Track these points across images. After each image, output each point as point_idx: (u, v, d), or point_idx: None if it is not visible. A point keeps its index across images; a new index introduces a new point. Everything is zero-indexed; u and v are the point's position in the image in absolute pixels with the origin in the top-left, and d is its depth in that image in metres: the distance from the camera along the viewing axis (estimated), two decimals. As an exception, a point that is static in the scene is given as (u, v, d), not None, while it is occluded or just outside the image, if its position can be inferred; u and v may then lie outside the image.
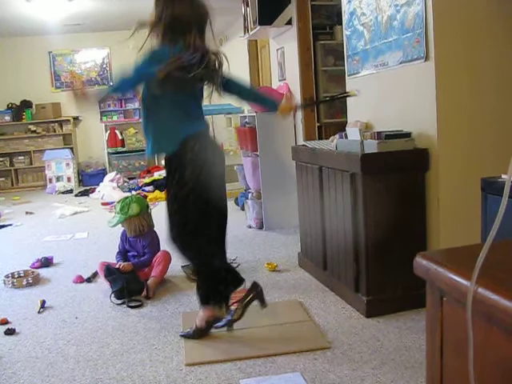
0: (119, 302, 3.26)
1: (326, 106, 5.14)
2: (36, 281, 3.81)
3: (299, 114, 4.99)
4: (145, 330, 2.84)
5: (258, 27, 4.88)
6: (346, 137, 3.06)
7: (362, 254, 2.81)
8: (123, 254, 3.71)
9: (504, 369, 0.79)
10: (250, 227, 5.13)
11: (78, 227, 5.74)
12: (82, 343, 2.73)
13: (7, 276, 3.85)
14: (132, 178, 8.75)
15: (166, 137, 2.54)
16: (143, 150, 9.99)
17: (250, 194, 5.23)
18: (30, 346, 2.73)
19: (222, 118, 7.16)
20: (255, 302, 2.72)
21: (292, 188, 4.10)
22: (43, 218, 6.42)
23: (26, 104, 9.54)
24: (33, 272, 3.94)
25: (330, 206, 3.15)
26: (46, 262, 4.23)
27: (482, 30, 2.71)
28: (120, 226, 3.70)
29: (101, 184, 8.15)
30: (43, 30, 8.59)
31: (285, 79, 5.36)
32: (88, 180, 9.35)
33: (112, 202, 6.62)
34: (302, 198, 3.67)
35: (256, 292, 2.69)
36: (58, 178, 9.09)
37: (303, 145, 3.75)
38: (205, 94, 2.66)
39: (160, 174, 7.89)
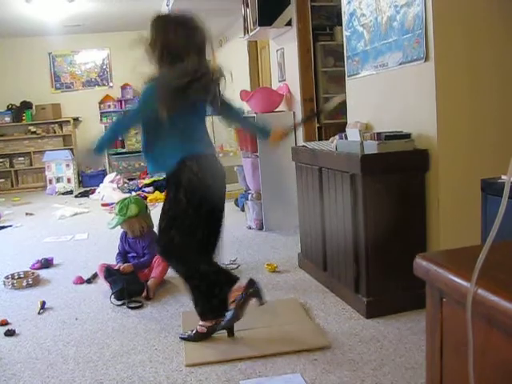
0: (119, 303, 3.26)
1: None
2: (36, 282, 3.81)
3: (299, 116, 5.00)
4: (145, 331, 2.84)
5: (258, 28, 4.88)
6: (346, 138, 3.06)
7: (362, 254, 2.81)
8: (123, 255, 3.71)
9: (504, 370, 0.79)
10: (250, 228, 5.13)
11: (78, 228, 5.74)
12: (82, 344, 2.73)
13: (7, 277, 3.85)
14: (132, 179, 8.74)
15: (166, 157, 2.52)
16: (143, 151, 9.99)
17: (249, 195, 5.23)
18: (30, 347, 2.73)
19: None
20: (253, 300, 2.66)
21: (292, 189, 4.10)
22: (43, 219, 6.42)
23: (26, 105, 9.54)
24: (33, 273, 3.94)
25: (330, 207, 3.15)
26: (46, 263, 4.23)
27: (481, 31, 2.71)
28: (120, 227, 3.70)
29: (101, 185, 8.14)
30: (43, 31, 8.59)
31: (285, 80, 5.36)
32: (88, 181, 9.35)
33: (112, 203, 6.61)
34: (302, 199, 3.67)
35: (252, 290, 2.64)
36: (58, 179, 9.09)
37: (303, 146, 3.75)
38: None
39: (160, 175, 7.88)
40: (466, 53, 2.70)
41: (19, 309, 3.31)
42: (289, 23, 4.92)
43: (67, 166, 9.11)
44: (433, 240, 2.83)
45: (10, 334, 2.89)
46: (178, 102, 2.41)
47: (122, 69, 9.40)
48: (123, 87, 9.89)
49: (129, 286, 3.28)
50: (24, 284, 3.75)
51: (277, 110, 5.18)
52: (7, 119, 9.47)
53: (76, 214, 6.60)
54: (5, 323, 3.03)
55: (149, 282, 3.39)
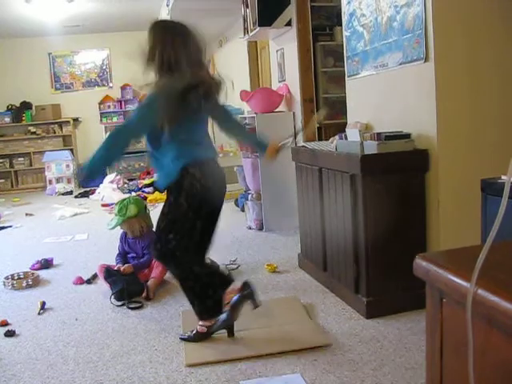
0: (119, 303, 3.26)
1: (325, 106, 5.14)
2: (36, 282, 3.81)
3: (299, 116, 5.00)
4: (145, 332, 2.84)
5: (258, 28, 4.88)
6: (346, 138, 3.06)
7: (362, 255, 2.81)
8: (123, 255, 3.71)
9: (504, 371, 0.79)
10: (250, 228, 5.13)
11: (77, 229, 5.74)
12: (82, 345, 2.73)
13: (7, 278, 3.85)
14: (132, 180, 8.75)
15: (169, 166, 2.51)
16: (143, 152, 9.97)
17: (249, 196, 5.23)
18: (30, 348, 2.73)
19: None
20: (248, 302, 2.65)
21: (292, 189, 4.10)
22: (43, 220, 6.42)
23: (26, 105, 9.55)
24: (33, 274, 3.94)
25: (330, 207, 3.15)
26: (46, 264, 4.23)
27: (481, 31, 2.71)
28: (119, 227, 3.70)
29: (101, 185, 8.14)
30: (43, 32, 8.60)
31: (284, 80, 5.36)
32: (88, 181, 9.33)
33: (112, 204, 6.61)
34: (302, 199, 3.67)
35: (247, 292, 2.63)
36: (58, 180, 9.09)
37: (303, 146, 3.75)
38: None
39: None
40: (466, 53, 2.70)
41: (19, 309, 3.31)
42: (289, 23, 4.92)
43: (67, 166, 9.11)
44: (433, 240, 2.83)
45: (10, 334, 2.89)
46: (180, 112, 2.41)
47: (122, 69, 9.40)
48: (123, 87, 9.90)
49: (129, 287, 3.28)
50: (24, 284, 3.75)
51: (277, 110, 5.18)
52: (7, 120, 9.48)
53: (76, 215, 6.60)
54: (5, 324, 3.03)
55: (149, 283, 3.39)
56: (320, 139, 4.86)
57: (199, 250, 2.61)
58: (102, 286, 3.58)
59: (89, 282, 3.77)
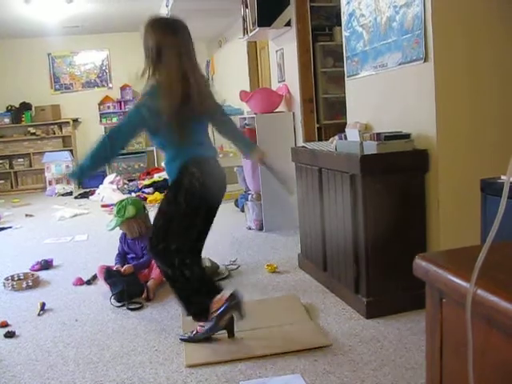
0: (119, 304, 3.25)
1: (325, 106, 5.14)
2: (36, 283, 3.81)
3: (298, 116, 5.00)
4: (145, 332, 2.84)
5: (258, 29, 4.88)
6: (346, 138, 3.06)
7: (361, 255, 2.81)
8: (122, 256, 3.71)
9: (504, 371, 0.79)
10: (250, 229, 5.13)
11: (77, 229, 5.74)
12: (82, 346, 2.73)
13: (7, 279, 3.85)
14: (132, 180, 8.74)
15: (171, 164, 2.55)
16: (142, 152, 10.04)
17: (249, 196, 5.23)
18: (30, 349, 2.73)
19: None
20: (234, 314, 2.61)
21: (291, 189, 4.09)
22: (43, 221, 6.42)
23: (26, 106, 9.54)
24: (32, 275, 3.93)
25: (330, 208, 3.15)
26: (46, 265, 4.23)
27: (481, 31, 2.71)
28: (118, 228, 3.70)
29: (100, 186, 8.14)
30: (42, 32, 8.60)
31: (284, 80, 5.37)
32: (88, 182, 9.32)
33: (112, 204, 6.61)
34: (302, 200, 3.67)
35: (234, 303, 2.57)
36: (58, 181, 9.09)
37: (303, 146, 3.75)
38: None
39: (160, 176, 7.89)
40: (466, 53, 2.70)
41: (19, 310, 3.31)
42: (288, 24, 4.92)
43: (67, 167, 9.11)
44: (433, 240, 2.83)
45: (10, 335, 2.89)
46: (173, 117, 2.42)
47: (122, 70, 9.41)
48: (123, 88, 9.89)
49: (129, 288, 3.28)
50: (24, 285, 3.75)
51: (276, 110, 5.18)
52: (6, 120, 9.48)
53: (76, 216, 6.59)
54: (5, 325, 3.03)
55: (148, 283, 3.39)
56: (320, 139, 4.87)
57: (193, 249, 2.61)
58: (102, 287, 3.58)
59: (89, 282, 3.77)
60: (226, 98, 6.28)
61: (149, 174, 8.93)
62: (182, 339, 2.68)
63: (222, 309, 2.55)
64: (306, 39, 4.90)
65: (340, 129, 3.57)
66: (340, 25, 3.71)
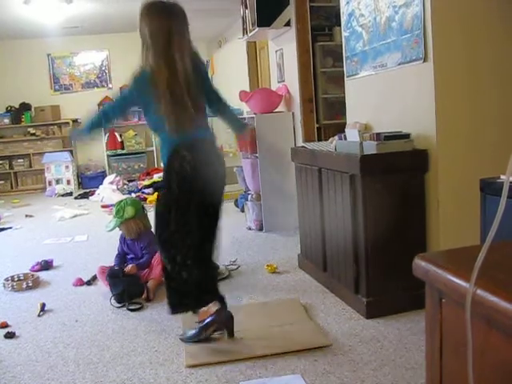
0: (119, 304, 3.25)
1: (325, 107, 5.15)
2: (36, 284, 3.81)
3: (298, 116, 5.00)
4: (145, 333, 2.84)
5: (257, 29, 4.88)
6: (345, 138, 3.06)
7: (361, 255, 2.81)
8: (122, 256, 3.70)
9: (503, 371, 0.79)
10: (250, 229, 5.13)
11: (77, 230, 5.74)
12: (82, 346, 2.73)
13: (7, 279, 3.84)
14: (132, 181, 8.74)
15: (163, 147, 2.57)
16: (142, 152, 10.04)
17: (249, 196, 5.23)
18: (30, 350, 2.73)
19: (222, 120, 7.16)
20: (222, 331, 2.61)
21: (291, 189, 4.10)
22: (43, 221, 6.42)
23: (25, 107, 9.54)
24: (32, 275, 3.93)
25: (330, 208, 3.15)
26: (46, 265, 4.23)
27: (481, 31, 2.71)
28: (118, 229, 3.70)
29: (100, 186, 8.14)
30: (42, 33, 8.59)
31: (284, 81, 5.37)
32: (87, 182, 9.35)
33: (112, 205, 6.61)
34: (302, 200, 3.67)
35: (219, 319, 2.55)
36: (58, 181, 9.09)
37: (302, 146, 3.75)
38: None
39: (160, 177, 7.88)
40: (465, 53, 2.70)
41: (19, 311, 3.31)
42: (288, 24, 4.92)
43: (66, 167, 9.11)
44: (433, 240, 2.83)
45: (10, 336, 2.88)
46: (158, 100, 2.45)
47: (121, 70, 9.39)
48: (122, 88, 9.86)
49: (129, 288, 3.28)
50: (24, 286, 3.74)
51: (276, 110, 5.18)
52: (6, 121, 9.47)
53: (76, 216, 6.59)
54: (5, 325, 3.03)
55: (149, 284, 3.39)
56: (319, 139, 4.87)
57: (198, 252, 2.57)
58: (102, 288, 3.58)
59: (89, 283, 3.77)
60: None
61: (148, 174, 8.92)
62: (181, 339, 2.68)
63: (207, 321, 2.55)
64: (306, 39, 4.90)
65: (340, 129, 3.57)
66: (339, 25, 3.71)
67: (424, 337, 1.05)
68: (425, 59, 2.70)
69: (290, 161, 3.85)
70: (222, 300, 2.61)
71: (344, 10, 3.51)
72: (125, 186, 8.10)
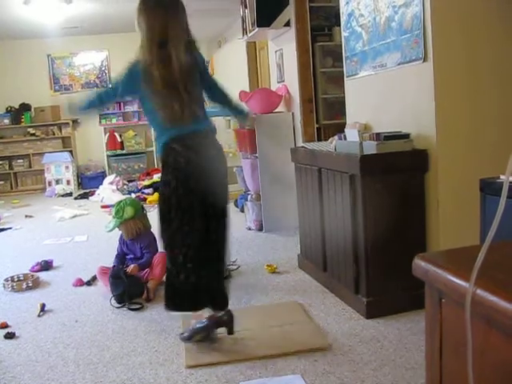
0: (119, 305, 3.25)
1: (324, 107, 5.14)
2: (36, 284, 3.81)
3: (298, 116, 5.00)
4: (145, 333, 2.84)
5: (257, 29, 4.89)
6: (345, 138, 3.06)
7: (361, 255, 2.81)
8: (121, 257, 3.70)
9: (503, 371, 0.79)
10: (250, 229, 5.13)
11: (77, 230, 5.74)
12: (82, 346, 2.73)
13: (7, 280, 3.84)
14: (131, 181, 8.74)
15: (158, 139, 2.56)
16: (142, 153, 10.04)
17: (249, 196, 5.23)
18: (30, 350, 2.73)
19: (222, 120, 7.16)
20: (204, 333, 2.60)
21: (291, 190, 4.10)
22: (43, 222, 6.42)
23: (25, 107, 9.54)
24: (32, 275, 3.93)
25: (330, 208, 3.15)
26: (46, 266, 4.23)
27: (480, 31, 2.71)
28: (117, 229, 3.70)
29: (100, 187, 8.15)
30: (41, 33, 8.59)
31: (283, 81, 5.37)
32: (87, 183, 9.35)
33: (112, 205, 6.60)
34: (302, 200, 3.67)
35: (211, 328, 2.57)
36: (58, 181, 9.09)
37: (302, 146, 3.75)
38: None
39: (159, 177, 7.87)
40: (465, 53, 2.70)
41: (19, 311, 3.31)
42: (287, 24, 4.92)
43: (66, 167, 9.11)
44: (432, 240, 2.83)
45: (10, 336, 2.88)
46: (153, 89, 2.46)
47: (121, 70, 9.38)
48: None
49: (129, 288, 3.28)
50: (24, 286, 3.74)
51: (276, 110, 5.18)
52: (6, 121, 9.46)
53: (75, 216, 6.59)
54: (5, 326, 3.03)
55: (149, 284, 3.39)
56: (319, 139, 4.87)
57: (200, 254, 2.52)
58: (102, 288, 3.58)
59: (89, 283, 3.77)
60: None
61: (148, 174, 8.92)
62: (181, 338, 2.68)
63: (198, 326, 2.56)
64: (306, 39, 4.91)
65: (339, 129, 3.57)
66: (339, 25, 3.71)
67: (424, 337, 1.05)
68: (424, 59, 2.70)
69: (289, 161, 3.85)
70: (223, 305, 2.59)
71: (343, 10, 3.51)
72: (125, 187, 8.10)
